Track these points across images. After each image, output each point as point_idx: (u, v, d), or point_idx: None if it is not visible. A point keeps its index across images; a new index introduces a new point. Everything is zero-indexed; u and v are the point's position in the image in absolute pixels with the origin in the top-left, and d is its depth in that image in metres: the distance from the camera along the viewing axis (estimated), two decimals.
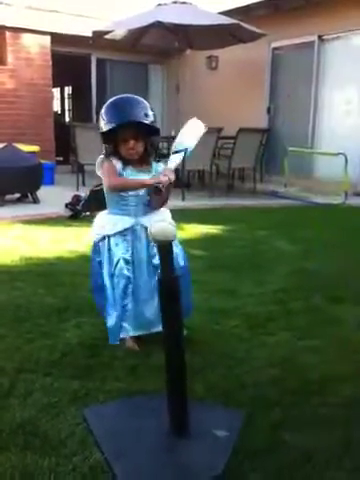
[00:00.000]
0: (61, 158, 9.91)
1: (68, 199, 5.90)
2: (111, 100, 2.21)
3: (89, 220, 5.29)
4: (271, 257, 4.07)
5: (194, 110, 9.37)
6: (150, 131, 2.22)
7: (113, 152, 2.25)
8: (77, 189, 7.08)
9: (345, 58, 7.72)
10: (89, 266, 2.45)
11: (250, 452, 1.66)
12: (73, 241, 4.46)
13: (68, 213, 5.62)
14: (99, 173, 2.32)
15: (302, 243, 4.52)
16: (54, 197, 6.51)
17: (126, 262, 2.29)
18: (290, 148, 7.77)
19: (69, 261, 3.85)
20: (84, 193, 5.90)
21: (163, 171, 2.21)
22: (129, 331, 2.35)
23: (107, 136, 2.21)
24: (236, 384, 2.08)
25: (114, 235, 2.29)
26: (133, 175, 2.26)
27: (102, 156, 2.28)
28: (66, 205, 5.82)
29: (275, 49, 8.71)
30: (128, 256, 2.30)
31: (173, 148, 2.23)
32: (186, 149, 2.23)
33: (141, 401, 1.99)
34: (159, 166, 2.31)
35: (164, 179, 2.13)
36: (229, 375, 2.16)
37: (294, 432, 1.77)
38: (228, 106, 9.06)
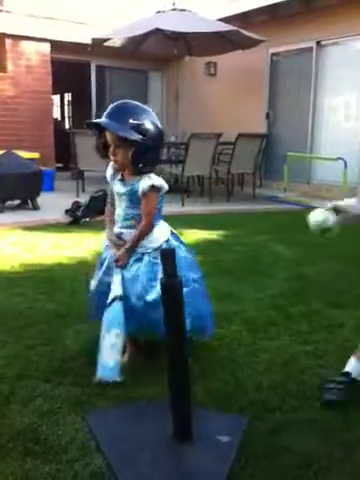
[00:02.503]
0: (61, 165, 9.92)
1: (68, 205, 5.91)
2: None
3: (89, 226, 5.35)
4: (271, 262, 4.08)
5: (193, 116, 9.53)
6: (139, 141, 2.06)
7: (106, 156, 2.20)
8: (77, 195, 7.10)
9: (343, 63, 7.76)
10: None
11: (252, 457, 1.66)
12: (73, 247, 4.46)
13: (68, 219, 5.63)
14: None
15: (301, 248, 4.52)
16: (54, 203, 6.52)
17: None
18: (288, 153, 7.79)
19: (69, 267, 3.85)
20: (84, 199, 5.92)
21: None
22: None
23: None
24: (237, 389, 2.09)
25: None
26: (117, 186, 2.23)
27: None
28: (66, 211, 5.83)
29: (273, 55, 8.75)
30: None
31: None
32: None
33: (143, 406, 1.99)
34: (140, 182, 2.18)
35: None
36: (230, 380, 2.16)
37: (295, 436, 1.76)
38: (227, 112, 9.10)
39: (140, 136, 2.05)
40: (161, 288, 1.73)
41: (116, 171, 2.24)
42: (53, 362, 2.30)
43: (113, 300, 2.17)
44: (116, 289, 2.18)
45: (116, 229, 2.27)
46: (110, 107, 2.11)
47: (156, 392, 2.03)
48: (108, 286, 2.23)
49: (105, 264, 2.30)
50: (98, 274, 2.33)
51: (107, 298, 2.20)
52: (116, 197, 2.26)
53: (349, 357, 2.12)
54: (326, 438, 1.77)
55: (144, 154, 2.09)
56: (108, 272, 2.27)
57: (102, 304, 2.22)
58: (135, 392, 2.06)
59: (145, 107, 2.17)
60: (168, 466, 1.69)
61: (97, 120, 2.15)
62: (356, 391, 2.00)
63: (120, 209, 2.26)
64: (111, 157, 2.17)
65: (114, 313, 2.17)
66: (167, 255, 1.71)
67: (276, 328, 2.73)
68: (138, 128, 2.05)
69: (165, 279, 1.72)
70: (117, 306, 2.17)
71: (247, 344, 2.53)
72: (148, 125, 2.08)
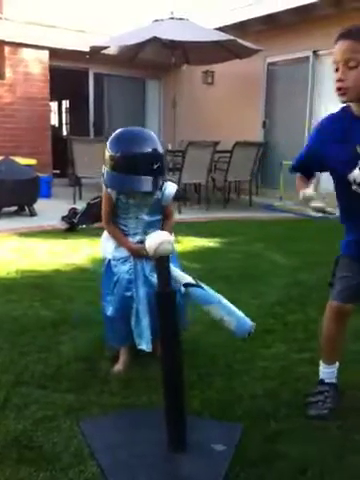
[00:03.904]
0: (58, 171, 9.94)
1: (65, 212, 5.90)
2: (123, 133, 2.17)
3: (86, 233, 5.35)
4: (267, 270, 4.08)
5: (191, 124, 9.55)
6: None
7: None
8: (74, 202, 7.09)
9: None
10: None
11: (246, 464, 1.65)
12: (70, 254, 4.46)
13: (64, 226, 5.62)
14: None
15: (298, 256, 4.53)
16: (51, 210, 6.51)
17: None
18: (284, 162, 7.82)
19: (65, 274, 3.85)
20: (81, 206, 5.92)
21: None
22: None
23: None
24: (232, 397, 2.08)
25: None
26: (124, 204, 2.26)
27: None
28: (62, 218, 5.82)
29: (270, 64, 8.80)
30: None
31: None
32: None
33: (138, 414, 1.98)
34: (164, 190, 2.32)
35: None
36: (225, 388, 2.16)
37: (289, 444, 1.76)
38: (224, 120, 9.14)
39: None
40: (155, 298, 1.73)
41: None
42: (48, 369, 2.29)
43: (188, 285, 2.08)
44: (185, 276, 2.10)
45: (137, 238, 2.28)
46: (130, 157, 2.10)
47: (151, 400, 2.03)
48: (131, 299, 2.24)
49: (125, 278, 2.25)
50: (122, 293, 2.26)
51: (130, 314, 2.23)
52: (131, 209, 2.27)
53: (345, 365, 2.12)
54: (321, 445, 1.76)
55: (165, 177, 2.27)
56: (129, 287, 2.25)
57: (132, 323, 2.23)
58: (129, 400, 2.05)
59: (145, 133, 2.21)
60: (162, 474, 1.69)
61: (141, 190, 2.18)
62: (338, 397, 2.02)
63: (137, 220, 2.29)
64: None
65: (201, 293, 2.11)
66: (161, 264, 1.71)
67: (273, 336, 2.73)
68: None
69: (159, 288, 1.72)
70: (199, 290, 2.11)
71: (243, 352, 2.52)
72: (161, 151, 2.18)
